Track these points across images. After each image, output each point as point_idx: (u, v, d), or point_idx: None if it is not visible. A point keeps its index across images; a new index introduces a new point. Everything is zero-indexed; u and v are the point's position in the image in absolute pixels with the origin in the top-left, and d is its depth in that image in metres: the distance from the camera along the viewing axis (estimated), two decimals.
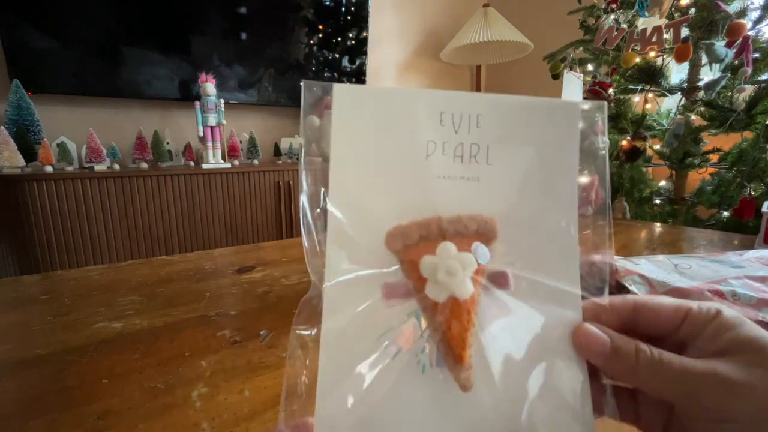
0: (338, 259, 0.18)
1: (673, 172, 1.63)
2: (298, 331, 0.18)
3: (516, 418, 0.17)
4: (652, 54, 1.49)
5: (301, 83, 0.18)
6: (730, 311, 0.17)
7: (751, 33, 1.29)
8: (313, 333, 0.18)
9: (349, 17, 2.29)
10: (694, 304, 0.18)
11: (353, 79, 2.38)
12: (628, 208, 1.57)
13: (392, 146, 0.19)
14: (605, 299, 0.19)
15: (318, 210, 0.18)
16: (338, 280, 0.17)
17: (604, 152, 0.20)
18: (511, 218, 0.19)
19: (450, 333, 0.17)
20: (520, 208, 0.19)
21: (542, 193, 0.19)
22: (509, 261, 0.19)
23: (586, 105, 0.20)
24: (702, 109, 1.44)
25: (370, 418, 0.17)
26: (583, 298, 0.19)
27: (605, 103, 0.20)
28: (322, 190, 0.18)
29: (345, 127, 0.19)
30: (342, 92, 0.18)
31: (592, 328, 0.18)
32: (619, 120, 1.66)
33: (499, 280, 0.18)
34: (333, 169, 0.18)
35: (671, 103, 1.69)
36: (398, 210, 0.18)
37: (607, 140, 0.20)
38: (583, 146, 0.20)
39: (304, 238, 0.18)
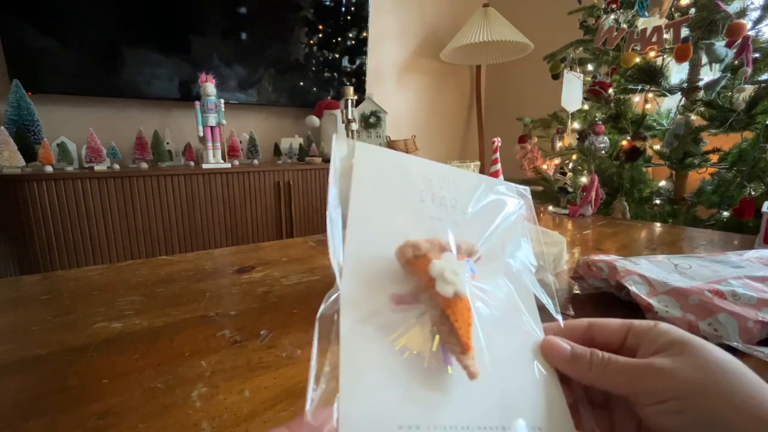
0: (353, 270, 0.21)
1: (673, 172, 1.63)
2: (324, 313, 0.20)
3: (505, 403, 0.21)
4: (652, 54, 1.49)
5: (333, 137, 0.23)
6: (663, 323, 0.22)
7: (751, 33, 1.29)
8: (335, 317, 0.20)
9: (349, 17, 2.29)
10: (636, 321, 0.23)
11: (353, 79, 2.38)
12: (628, 208, 1.57)
13: (396, 194, 0.24)
14: (561, 322, 0.25)
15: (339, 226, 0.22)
16: (352, 287, 0.20)
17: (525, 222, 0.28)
18: (482, 256, 0.24)
19: (458, 323, 0.20)
20: (487, 250, 0.25)
21: (501, 240, 0.26)
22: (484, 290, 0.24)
23: (522, 192, 0.29)
24: (702, 109, 1.44)
25: (389, 413, 0.18)
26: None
27: (530, 199, 0.29)
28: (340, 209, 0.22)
29: (362, 177, 0.23)
30: (362, 150, 0.24)
31: (556, 339, 0.23)
32: (619, 120, 1.66)
33: (482, 294, 0.23)
34: (352, 208, 0.22)
35: (671, 103, 1.69)
36: (404, 240, 0.23)
37: (529, 223, 0.28)
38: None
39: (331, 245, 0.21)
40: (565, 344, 0.23)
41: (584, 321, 0.24)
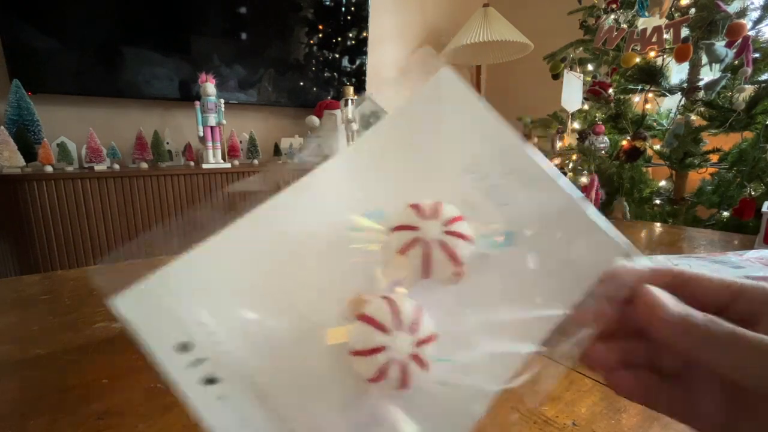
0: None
1: (673, 172, 1.63)
2: None
3: None
4: (652, 54, 1.49)
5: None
6: None
7: (751, 33, 1.29)
8: None
9: (349, 17, 2.28)
10: (745, 281, 0.17)
11: (353, 79, 2.37)
12: (628, 208, 1.57)
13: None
14: (647, 265, 0.18)
15: None
16: None
17: None
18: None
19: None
20: None
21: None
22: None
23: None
24: (702, 109, 1.44)
25: None
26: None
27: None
28: None
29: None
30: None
31: (657, 291, 0.17)
32: (619, 120, 1.66)
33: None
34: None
35: (671, 103, 1.69)
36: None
37: None
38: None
39: None
40: (673, 301, 0.17)
41: (667, 270, 0.18)
